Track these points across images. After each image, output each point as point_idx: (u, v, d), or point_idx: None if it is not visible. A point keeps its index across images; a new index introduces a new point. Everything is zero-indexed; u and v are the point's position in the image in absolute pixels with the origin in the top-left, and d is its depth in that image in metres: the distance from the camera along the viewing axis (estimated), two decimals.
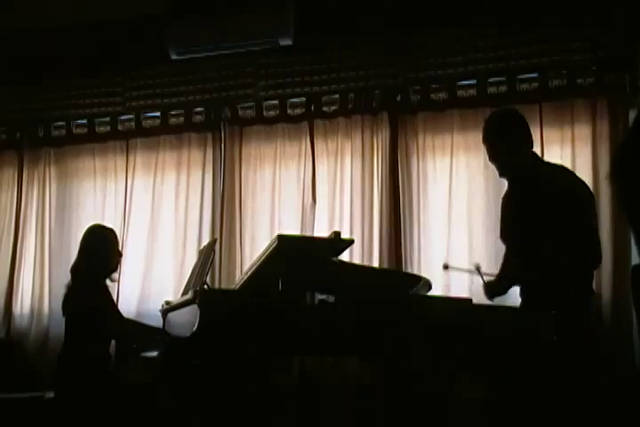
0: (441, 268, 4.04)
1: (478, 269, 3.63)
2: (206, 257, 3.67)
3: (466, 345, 3.01)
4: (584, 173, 4.41)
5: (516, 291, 3.48)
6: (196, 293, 3.04)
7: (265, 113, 5.14)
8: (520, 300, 3.40)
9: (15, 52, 5.58)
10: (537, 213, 3.23)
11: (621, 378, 3.99)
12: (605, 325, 4.23)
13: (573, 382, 3.06)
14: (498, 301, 3.79)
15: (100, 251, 4.00)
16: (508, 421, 3.12)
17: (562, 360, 3.00)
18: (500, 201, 3.57)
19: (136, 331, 3.95)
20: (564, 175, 3.44)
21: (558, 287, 3.14)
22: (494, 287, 3.55)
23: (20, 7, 5.22)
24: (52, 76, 5.50)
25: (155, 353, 3.52)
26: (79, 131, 5.52)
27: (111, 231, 4.12)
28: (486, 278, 3.62)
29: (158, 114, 5.36)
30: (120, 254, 4.13)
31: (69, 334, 3.92)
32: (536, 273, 3.23)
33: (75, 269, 4.01)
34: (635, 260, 4.17)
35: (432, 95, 4.80)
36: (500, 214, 3.56)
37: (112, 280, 4.10)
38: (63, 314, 3.97)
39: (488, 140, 3.46)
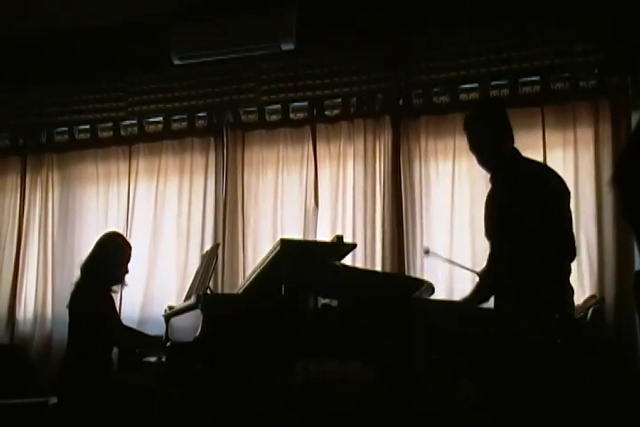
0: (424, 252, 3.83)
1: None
2: (209, 262, 3.67)
3: (469, 348, 3.00)
4: (586, 176, 4.42)
5: None
6: (199, 297, 3.05)
7: (267, 117, 5.15)
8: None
9: (16, 57, 5.59)
10: (517, 206, 3.18)
11: (625, 380, 3.99)
12: (609, 327, 4.22)
13: (570, 383, 3.05)
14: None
15: (112, 258, 4.04)
16: (510, 422, 3.11)
17: (559, 361, 2.99)
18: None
19: (135, 340, 3.96)
20: (543, 169, 3.43)
21: (532, 285, 3.10)
22: (474, 302, 3.32)
23: (20, 12, 5.24)
24: (54, 82, 5.51)
25: (154, 358, 3.53)
26: (82, 136, 5.53)
27: (129, 245, 4.17)
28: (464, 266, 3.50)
29: (161, 119, 5.37)
30: (127, 271, 4.15)
31: (72, 338, 3.93)
32: (510, 268, 3.19)
33: (84, 269, 4.04)
34: (638, 263, 4.18)
35: (434, 99, 4.80)
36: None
37: (113, 291, 4.13)
38: (69, 313, 4.00)
39: (472, 125, 3.36)
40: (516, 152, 3.39)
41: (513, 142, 3.37)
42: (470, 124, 3.38)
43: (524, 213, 3.15)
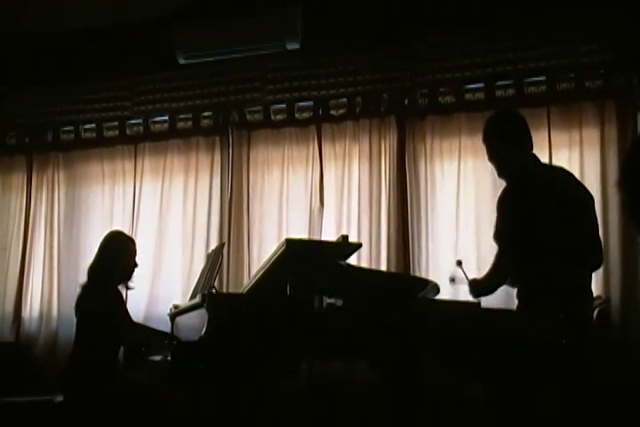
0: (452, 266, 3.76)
1: (460, 264, 3.48)
2: (214, 261, 3.67)
3: (474, 349, 3.00)
4: (592, 177, 4.41)
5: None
6: (204, 296, 3.05)
7: (273, 117, 5.15)
8: (517, 301, 3.37)
9: (23, 56, 5.61)
10: (537, 214, 3.21)
11: (630, 381, 3.98)
12: (614, 328, 4.21)
13: (574, 383, 3.05)
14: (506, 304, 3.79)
15: (118, 256, 4.07)
16: (512, 422, 3.11)
17: (563, 361, 2.99)
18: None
19: (144, 335, 3.97)
20: (563, 177, 3.42)
21: (557, 288, 3.12)
22: (481, 285, 3.42)
23: (27, 12, 5.25)
24: (60, 81, 5.52)
25: (160, 357, 3.53)
26: (88, 135, 5.54)
27: (132, 241, 4.20)
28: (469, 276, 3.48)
29: (166, 118, 5.37)
30: (136, 264, 4.18)
31: (79, 336, 3.95)
32: (534, 274, 3.21)
33: (91, 270, 4.07)
34: None
35: (440, 99, 4.80)
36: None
37: (128, 288, 4.17)
38: (75, 314, 4.01)
39: (487, 140, 3.43)
40: (535, 160, 3.39)
41: (531, 149, 3.38)
42: (486, 140, 3.44)
43: (537, 223, 3.17)
